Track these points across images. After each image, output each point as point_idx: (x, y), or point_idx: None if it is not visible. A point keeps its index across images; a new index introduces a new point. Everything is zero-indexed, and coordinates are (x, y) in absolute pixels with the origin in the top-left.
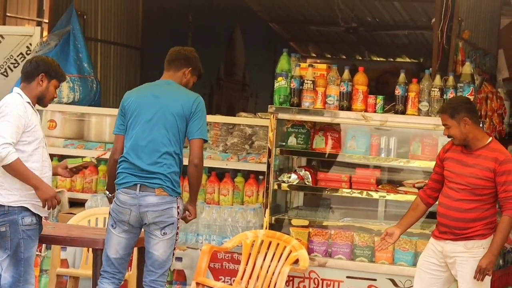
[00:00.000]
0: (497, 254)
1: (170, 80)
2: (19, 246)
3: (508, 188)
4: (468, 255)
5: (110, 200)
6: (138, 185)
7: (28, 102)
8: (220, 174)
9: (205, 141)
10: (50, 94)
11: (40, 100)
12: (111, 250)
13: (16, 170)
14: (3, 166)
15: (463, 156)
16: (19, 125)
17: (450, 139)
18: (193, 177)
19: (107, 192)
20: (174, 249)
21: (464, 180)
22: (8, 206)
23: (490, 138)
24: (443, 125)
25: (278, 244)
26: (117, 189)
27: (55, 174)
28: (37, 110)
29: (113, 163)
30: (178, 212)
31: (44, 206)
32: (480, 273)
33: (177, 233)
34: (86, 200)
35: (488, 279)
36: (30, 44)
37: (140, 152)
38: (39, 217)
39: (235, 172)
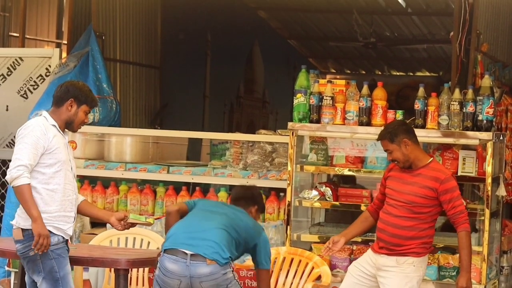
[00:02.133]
0: (470, 270)
1: None
2: (53, 267)
3: (455, 204)
4: (398, 269)
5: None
6: None
7: (53, 125)
8: None
9: None
10: (79, 119)
11: (69, 125)
12: None
13: (21, 194)
14: (12, 187)
15: (403, 175)
16: (37, 147)
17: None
18: None
19: None
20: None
21: (403, 197)
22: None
23: (431, 158)
24: (385, 151)
25: (300, 261)
26: None
27: (106, 221)
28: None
29: None
30: None
31: (36, 243)
32: None
33: None
34: None
35: None
36: (49, 66)
37: None
38: (63, 238)
39: None
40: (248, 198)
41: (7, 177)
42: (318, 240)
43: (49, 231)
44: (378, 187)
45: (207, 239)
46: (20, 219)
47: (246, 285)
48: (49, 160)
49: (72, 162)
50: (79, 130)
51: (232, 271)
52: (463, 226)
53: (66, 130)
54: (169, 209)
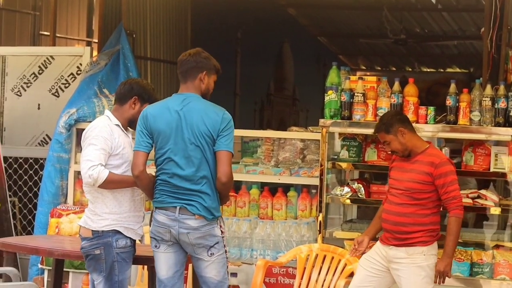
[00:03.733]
0: (452, 256)
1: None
2: (113, 269)
3: (448, 189)
4: (409, 261)
5: None
6: None
7: (117, 125)
8: (273, 189)
9: None
10: None
11: (132, 123)
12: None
13: (113, 183)
14: (100, 186)
15: (403, 164)
16: (105, 147)
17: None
18: None
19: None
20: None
21: (403, 185)
22: (102, 230)
23: (428, 145)
24: (383, 143)
25: (332, 258)
26: None
27: None
28: None
29: None
30: None
31: None
32: (439, 277)
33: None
34: None
35: (430, 284)
36: (80, 64)
37: None
38: (133, 240)
39: (287, 187)
40: (193, 67)
41: (86, 181)
42: (351, 237)
43: (119, 232)
44: None
45: (195, 200)
46: (89, 221)
47: (279, 282)
48: (117, 161)
49: None
50: None
51: (220, 228)
52: (454, 212)
53: (128, 128)
54: (142, 175)
